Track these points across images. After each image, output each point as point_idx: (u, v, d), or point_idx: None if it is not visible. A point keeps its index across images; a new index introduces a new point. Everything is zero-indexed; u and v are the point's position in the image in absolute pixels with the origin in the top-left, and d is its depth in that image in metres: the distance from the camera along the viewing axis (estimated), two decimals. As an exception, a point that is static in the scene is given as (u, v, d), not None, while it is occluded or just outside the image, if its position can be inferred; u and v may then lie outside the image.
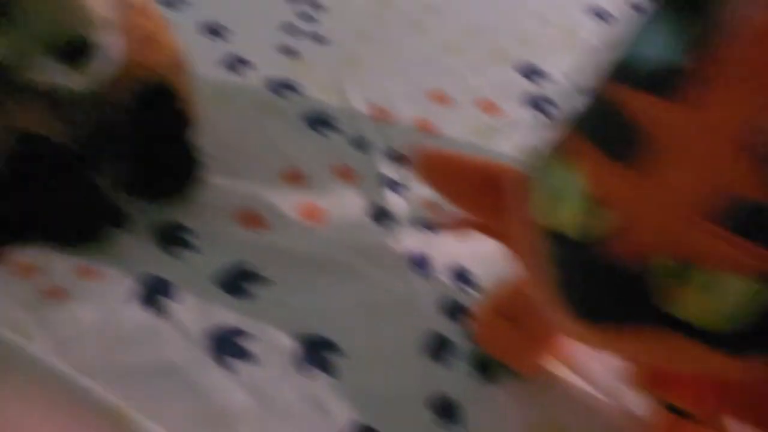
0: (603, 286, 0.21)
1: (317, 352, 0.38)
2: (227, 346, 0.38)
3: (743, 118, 0.17)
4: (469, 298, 0.41)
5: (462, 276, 0.42)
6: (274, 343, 0.38)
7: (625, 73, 0.20)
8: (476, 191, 0.29)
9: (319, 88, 0.54)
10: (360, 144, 0.50)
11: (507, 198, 0.26)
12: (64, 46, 0.33)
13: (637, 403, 0.35)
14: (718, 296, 0.19)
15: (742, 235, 0.18)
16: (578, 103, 0.22)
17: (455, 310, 0.40)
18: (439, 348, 0.39)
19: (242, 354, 0.37)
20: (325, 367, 0.37)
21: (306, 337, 0.38)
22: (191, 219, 0.43)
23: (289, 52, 0.57)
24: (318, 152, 0.49)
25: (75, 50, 0.33)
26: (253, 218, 0.44)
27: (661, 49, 0.18)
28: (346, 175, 0.47)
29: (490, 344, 0.37)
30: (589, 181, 0.21)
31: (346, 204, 0.45)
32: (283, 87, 0.54)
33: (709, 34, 0.17)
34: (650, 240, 0.19)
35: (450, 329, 0.39)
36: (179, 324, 0.38)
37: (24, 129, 0.37)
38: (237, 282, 0.41)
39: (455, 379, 0.37)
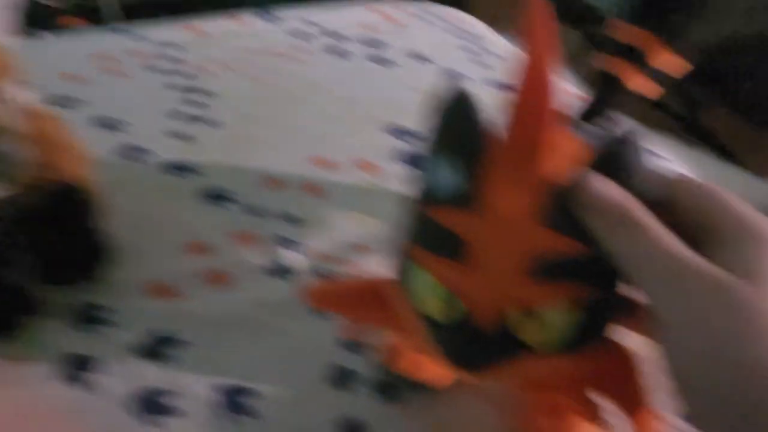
0: (477, 349, 0.29)
1: (237, 399, 0.42)
2: (153, 405, 0.42)
3: (520, 209, 0.26)
4: (364, 333, 0.46)
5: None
6: (197, 398, 0.42)
7: (430, 197, 0.29)
8: (365, 305, 0.37)
9: (213, 167, 0.59)
10: (255, 211, 0.55)
11: (391, 301, 0.34)
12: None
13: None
14: (549, 327, 0.28)
15: (558, 279, 0.27)
16: (407, 220, 0.31)
17: (353, 344, 0.46)
18: (342, 377, 0.44)
19: (168, 410, 0.42)
20: (245, 411, 0.42)
21: (225, 387, 0.43)
22: (104, 297, 0.47)
23: (183, 136, 0.63)
24: (217, 223, 0.54)
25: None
26: (162, 289, 0.48)
27: (449, 179, 0.27)
28: (245, 239, 0.53)
29: (403, 369, 0.41)
30: (437, 280, 0.29)
31: (248, 265, 0.51)
32: (180, 168, 0.59)
33: (474, 164, 0.26)
34: (495, 307, 0.28)
35: (350, 360, 0.45)
36: (104, 394, 0.42)
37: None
38: (155, 348, 0.45)
39: (360, 403, 0.43)
